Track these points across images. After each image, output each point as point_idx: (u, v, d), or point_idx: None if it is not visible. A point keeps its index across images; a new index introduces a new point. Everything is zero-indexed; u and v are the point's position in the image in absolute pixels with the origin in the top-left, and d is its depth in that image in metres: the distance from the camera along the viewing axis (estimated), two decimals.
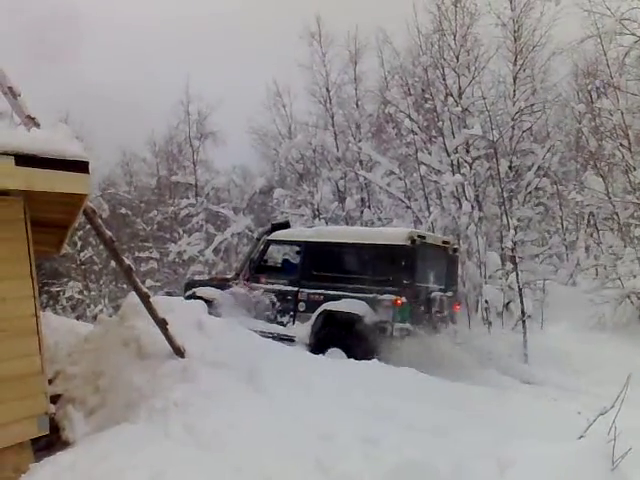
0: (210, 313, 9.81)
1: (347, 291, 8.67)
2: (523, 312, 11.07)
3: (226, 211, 18.22)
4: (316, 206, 16.93)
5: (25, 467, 4.27)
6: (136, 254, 19.18)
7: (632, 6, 11.91)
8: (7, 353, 4.30)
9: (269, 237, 10.14)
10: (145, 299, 5.84)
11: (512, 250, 11.93)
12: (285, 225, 10.72)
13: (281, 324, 9.32)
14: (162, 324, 5.89)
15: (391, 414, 4.88)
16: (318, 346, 8.51)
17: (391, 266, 8.49)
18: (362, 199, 17.20)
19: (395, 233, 8.98)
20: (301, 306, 9.19)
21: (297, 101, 19.08)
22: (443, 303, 9.00)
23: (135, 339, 6.38)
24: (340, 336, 8.45)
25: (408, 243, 8.40)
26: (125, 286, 17.73)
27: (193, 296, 10.38)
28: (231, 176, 19.69)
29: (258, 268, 9.96)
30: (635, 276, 10.79)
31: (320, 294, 8.94)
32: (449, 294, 9.30)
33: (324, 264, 9.30)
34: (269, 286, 9.66)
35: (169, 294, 15.97)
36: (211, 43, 35.51)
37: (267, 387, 5.19)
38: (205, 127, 19.30)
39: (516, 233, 12.38)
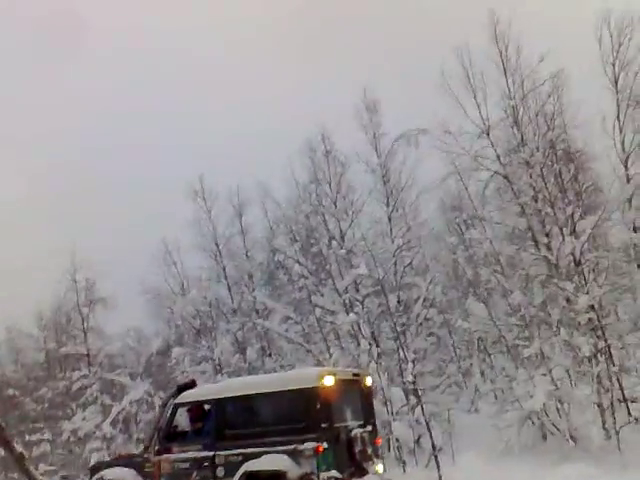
0: None
1: (266, 445, 8.11)
2: (434, 446, 11.14)
3: (122, 378, 17.42)
4: (217, 361, 16.65)
5: None
6: (27, 438, 17.66)
7: (483, 145, 13.34)
8: None
9: (176, 400, 9.48)
10: None
11: (413, 383, 12.23)
12: (191, 385, 10.10)
13: None
14: None
15: None
16: None
17: (306, 410, 8.14)
18: (262, 348, 17.14)
19: (305, 375, 8.78)
20: (219, 471, 8.48)
21: (188, 257, 19.17)
22: (365, 440, 8.65)
23: None
24: None
25: (319, 384, 8.13)
26: (16, 476, 16.19)
27: None
28: (125, 340, 19.02)
29: (168, 436, 9.23)
30: (532, 396, 11.19)
31: (239, 454, 8.31)
32: (368, 428, 8.96)
33: (238, 420, 8.86)
34: (182, 455, 8.90)
35: (65, 478, 14.78)
36: (96, 205, 35.43)
37: None
38: (94, 293, 18.83)
39: (414, 366, 12.74)
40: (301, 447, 7.92)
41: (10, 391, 19.09)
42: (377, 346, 14.07)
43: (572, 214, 12.22)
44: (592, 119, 12.53)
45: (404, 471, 11.55)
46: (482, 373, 14.21)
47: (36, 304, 20.20)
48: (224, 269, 18.10)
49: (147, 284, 19.25)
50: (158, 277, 19.17)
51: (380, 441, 9.66)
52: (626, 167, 12.41)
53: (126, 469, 9.33)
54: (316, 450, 7.85)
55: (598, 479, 9.19)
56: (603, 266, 12.21)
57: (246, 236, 18.32)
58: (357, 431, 8.60)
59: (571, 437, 10.91)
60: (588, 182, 13.10)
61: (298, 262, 15.82)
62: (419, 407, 12.00)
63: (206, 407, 9.40)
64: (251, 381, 10.11)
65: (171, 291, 19.00)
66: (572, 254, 11.90)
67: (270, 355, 16.76)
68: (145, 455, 9.42)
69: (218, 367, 16.72)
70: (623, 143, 12.68)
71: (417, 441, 12.27)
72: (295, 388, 8.37)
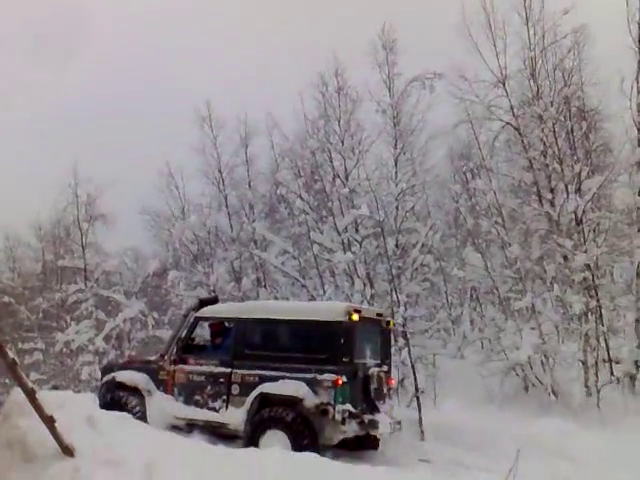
0: (132, 400, 9.29)
1: (284, 371, 8.22)
2: (417, 388, 11.33)
3: (117, 295, 17.60)
4: (212, 287, 16.77)
5: None
6: (20, 345, 17.97)
7: (498, 94, 13.17)
8: None
9: (197, 314, 9.57)
10: (31, 395, 5.55)
11: (403, 326, 12.33)
12: (214, 300, 10.23)
13: (213, 410, 8.72)
14: (49, 421, 5.59)
15: None
16: (254, 433, 8.06)
17: (329, 343, 8.21)
18: (258, 279, 17.27)
19: (332, 308, 8.74)
20: (234, 389, 8.59)
21: (190, 183, 19.12)
22: (381, 378, 8.76)
23: (20, 440, 5.99)
24: (278, 421, 7.97)
25: (346, 318, 8.17)
26: (8, 381, 16.53)
27: (113, 382, 9.71)
28: (123, 259, 19.16)
29: (185, 348, 9.33)
30: (518, 348, 11.36)
31: (255, 375, 8.42)
32: (384, 368, 9.06)
33: (258, 342, 8.91)
34: (198, 368, 9.04)
35: (55, 388, 15.09)
36: (102, 124, 35.12)
37: None
38: (94, 209, 18.84)
39: (406, 309, 12.86)
40: (320, 377, 8.00)
41: (5, 298, 19.31)
42: (371, 287, 14.21)
43: (579, 172, 12.18)
44: (610, 78, 12.32)
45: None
46: (472, 322, 14.39)
47: (35, 215, 20.28)
48: (226, 198, 18.07)
49: (148, 205, 19.32)
50: (159, 199, 19.23)
51: (392, 382, 9.64)
52: (639, 130, 12.25)
53: (139, 374, 9.46)
54: (335, 382, 7.92)
55: (576, 434, 9.38)
56: (604, 227, 12.26)
57: (250, 167, 18.21)
58: (374, 370, 8.68)
59: (553, 391, 11.12)
60: (599, 142, 13.04)
61: (300, 197, 15.79)
62: (406, 349, 12.13)
63: (227, 325, 9.46)
64: (277, 306, 10.21)
65: (171, 214, 19.07)
66: (574, 212, 11.90)
67: (265, 286, 16.89)
68: (160, 363, 9.49)
69: (213, 293, 16.84)
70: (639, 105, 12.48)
71: (401, 382, 12.48)
72: (321, 320, 8.40)
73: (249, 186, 18.09)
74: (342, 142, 15.73)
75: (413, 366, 11.69)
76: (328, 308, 8.94)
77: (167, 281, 17.57)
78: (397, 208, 14.70)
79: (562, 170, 12.37)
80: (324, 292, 14.58)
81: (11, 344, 17.03)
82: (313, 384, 8.02)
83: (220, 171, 18.17)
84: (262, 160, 18.27)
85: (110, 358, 16.13)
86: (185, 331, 9.54)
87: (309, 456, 6.68)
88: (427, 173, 15.57)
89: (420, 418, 10.58)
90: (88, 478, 5.08)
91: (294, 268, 15.84)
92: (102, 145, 30.05)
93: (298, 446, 7.48)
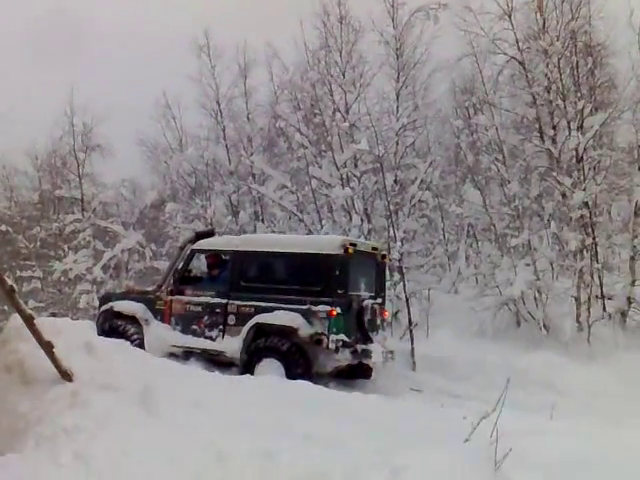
0: (131, 329, 9.49)
1: (279, 302, 8.46)
2: (410, 321, 11.53)
3: (115, 226, 17.60)
4: (209, 220, 16.76)
5: None
6: (18, 274, 18.10)
7: (504, 27, 12.83)
8: None
9: (193, 246, 9.76)
10: (29, 321, 5.61)
11: (399, 261, 12.43)
12: (210, 234, 10.43)
13: (209, 338, 9.01)
14: (47, 347, 5.67)
15: (289, 428, 4.96)
16: (249, 361, 8.32)
17: (324, 275, 8.42)
18: (255, 213, 17.25)
19: (327, 241, 8.93)
20: (231, 319, 8.89)
21: (188, 114, 18.81)
22: (375, 310, 8.99)
23: (19, 364, 6.09)
24: (274, 350, 8.24)
25: (341, 252, 8.36)
26: (6, 308, 16.72)
27: (110, 311, 9.90)
28: (120, 190, 19.06)
29: (182, 279, 9.58)
30: (512, 284, 11.47)
31: (251, 306, 8.69)
32: (378, 301, 9.30)
33: (254, 274, 9.13)
34: (195, 298, 9.31)
35: (54, 315, 15.28)
36: (98, 53, 34.35)
37: (161, 409, 5.12)
38: (91, 139, 18.57)
39: (403, 245, 12.93)
40: (315, 308, 8.26)
41: (3, 227, 19.32)
42: (369, 222, 14.23)
43: (582, 109, 11.97)
44: (619, 12, 11.98)
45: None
46: (467, 258, 14.45)
47: (32, 143, 20.04)
48: (224, 130, 17.81)
49: (145, 136, 19.09)
50: (156, 131, 18.99)
51: (387, 314, 9.95)
52: None
53: (137, 304, 9.71)
54: (329, 313, 8.19)
55: (565, 367, 9.65)
56: (604, 165, 12.18)
57: (249, 99, 17.88)
58: (368, 302, 8.90)
59: (544, 326, 11.28)
60: (604, 78, 12.77)
61: (299, 131, 15.57)
62: (401, 284, 12.26)
63: (224, 257, 9.62)
64: (273, 239, 10.34)
65: (168, 146, 18.86)
66: (575, 149, 11.76)
67: (262, 220, 16.88)
68: (157, 293, 9.74)
69: (210, 226, 16.85)
70: None
71: (395, 315, 12.67)
72: (317, 253, 8.58)
73: (247, 119, 17.81)
74: (343, 74, 15.40)
75: (407, 300, 11.86)
76: (324, 241, 9.09)
77: (164, 213, 17.57)
78: (397, 143, 14.53)
79: (565, 106, 12.17)
80: (321, 227, 14.58)
81: (9, 272, 17.15)
82: (308, 315, 8.26)
83: (218, 102, 17.84)
84: (261, 92, 17.94)
85: (108, 287, 16.27)
86: (182, 263, 9.72)
87: (303, 383, 6.84)
88: (429, 108, 15.32)
89: (412, 349, 10.82)
90: (86, 402, 5.17)
91: (292, 202, 15.78)
92: (98, 73, 29.47)
93: (292, 374, 7.72)
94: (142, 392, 5.41)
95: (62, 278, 17.57)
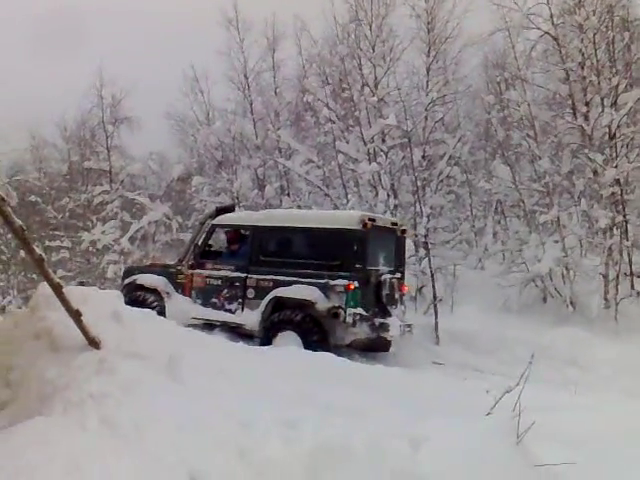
0: (153, 301, 9.69)
1: (298, 276, 8.60)
2: (435, 296, 11.51)
3: (142, 198, 17.73)
4: (235, 194, 16.80)
5: None
6: (47, 243, 18.43)
7: (538, 1, 12.51)
8: None
9: (214, 221, 9.93)
10: (57, 290, 5.70)
11: (425, 237, 12.38)
12: (230, 209, 10.58)
13: (229, 311, 9.18)
14: (76, 315, 5.76)
15: (310, 398, 5.00)
16: (268, 333, 8.47)
17: (343, 250, 8.52)
18: (281, 187, 17.24)
19: (346, 217, 9.01)
20: (250, 293, 9.05)
21: (215, 87, 18.81)
22: (393, 285, 9.06)
23: (47, 331, 6.21)
24: (291, 323, 8.38)
25: (360, 227, 8.43)
26: (35, 277, 17.03)
27: (133, 284, 10.12)
28: (147, 163, 19.19)
29: (203, 254, 9.75)
30: (539, 260, 11.36)
31: (270, 280, 8.83)
32: (397, 275, 9.37)
33: (273, 249, 9.28)
34: (215, 272, 9.48)
35: (82, 284, 15.55)
36: (125, 27, 34.40)
37: (186, 377, 5.19)
38: (119, 112, 18.70)
39: (429, 220, 12.86)
40: (333, 282, 8.38)
41: (32, 197, 19.65)
42: (395, 198, 14.13)
43: (617, 85, 11.66)
44: None
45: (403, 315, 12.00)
46: (494, 234, 14.27)
47: (61, 115, 20.24)
48: (251, 104, 17.80)
49: (172, 110, 19.14)
50: (184, 104, 19.04)
51: (406, 288, 10.00)
52: None
53: (159, 277, 9.93)
54: (347, 287, 8.29)
55: (590, 342, 9.57)
56: (637, 142, 11.89)
57: (277, 72, 17.84)
58: (387, 276, 8.98)
59: (571, 303, 11.16)
60: None
61: (327, 106, 15.41)
62: (427, 259, 12.21)
63: (243, 232, 9.74)
64: (292, 214, 10.45)
65: (196, 119, 18.91)
66: (608, 126, 11.48)
67: (288, 195, 16.87)
68: (179, 267, 9.95)
69: (236, 200, 16.89)
70: None
71: (419, 290, 12.64)
72: (335, 227, 8.68)
73: (275, 93, 17.78)
74: (373, 48, 15.18)
75: (432, 275, 11.81)
76: (343, 216, 9.22)
77: (191, 186, 17.65)
78: (426, 118, 14.38)
79: (599, 83, 11.86)
80: (347, 202, 14.52)
81: (38, 242, 17.42)
82: (326, 289, 8.40)
83: (246, 76, 17.82)
84: (289, 66, 17.90)
85: (134, 258, 16.47)
86: (202, 237, 9.91)
87: (326, 354, 6.89)
88: (459, 83, 15.10)
89: (436, 323, 10.82)
90: (113, 369, 5.25)
91: (318, 177, 15.73)
92: (128, 45, 29.54)
93: (309, 346, 7.82)
94: (168, 360, 5.49)
95: (90, 248, 17.82)
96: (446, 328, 10.61)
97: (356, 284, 8.30)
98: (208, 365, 5.54)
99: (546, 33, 12.51)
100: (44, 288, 6.60)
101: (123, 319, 7.01)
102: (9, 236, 16.73)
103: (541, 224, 12.13)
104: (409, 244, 13.07)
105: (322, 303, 8.33)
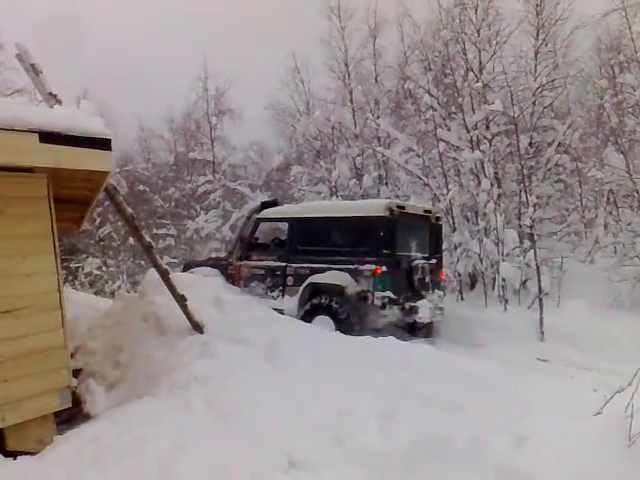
0: None
1: (331, 263, 9.04)
2: (540, 290, 11.02)
3: (243, 188, 18.19)
4: (333, 183, 16.85)
5: (49, 439, 4.37)
6: (154, 231, 19.29)
7: None
8: (32, 328, 4.40)
9: (258, 215, 10.55)
10: (165, 275, 5.92)
11: (530, 228, 11.87)
12: (274, 203, 11.21)
13: (272, 298, 9.72)
14: (181, 300, 5.97)
15: (407, 389, 4.93)
16: (305, 318, 8.82)
17: (371, 237, 8.86)
18: (380, 176, 17.09)
19: (373, 205, 9.30)
20: (289, 280, 9.64)
21: (315, 77, 18.94)
22: (426, 270, 9.34)
23: (154, 314, 6.49)
24: (324, 307, 8.82)
25: (386, 214, 8.70)
26: (143, 262, 17.84)
27: None
28: (248, 153, 19.64)
29: (249, 246, 10.42)
30: None
31: (306, 268, 9.38)
32: (433, 261, 9.66)
33: (309, 239, 9.72)
34: (260, 263, 10.13)
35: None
36: (228, 18, 35.23)
37: (285, 363, 5.26)
38: (223, 103, 19.25)
39: (535, 210, 12.31)
40: (361, 267, 8.76)
41: (141, 187, 20.59)
42: (499, 187, 13.62)
43: None
44: None
45: (505, 309, 11.59)
46: (605, 226, 13.46)
47: (168, 108, 21.05)
48: (351, 92, 17.74)
49: (273, 100, 19.42)
50: (284, 94, 19.27)
51: (443, 274, 10.24)
52: None
53: (212, 269, 10.58)
54: (374, 272, 8.62)
55: None
56: None
57: (378, 60, 17.63)
58: (419, 262, 9.29)
59: None
60: None
61: (429, 93, 15.06)
62: (532, 251, 11.71)
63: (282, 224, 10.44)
64: (326, 205, 11.14)
65: (296, 109, 19.10)
66: None
67: (387, 184, 16.69)
68: (229, 259, 10.68)
69: (334, 189, 16.95)
70: None
71: (523, 283, 12.16)
72: (364, 215, 9.02)
73: (375, 81, 17.59)
74: (478, 32, 14.63)
75: (538, 268, 11.33)
76: (371, 205, 9.42)
77: (290, 176, 17.87)
78: (534, 104, 13.74)
79: None
80: (447, 191, 14.18)
81: (146, 229, 18.25)
82: (355, 274, 8.78)
83: (347, 64, 17.78)
84: (390, 53, 17.62)
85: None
86: (249, 231, 10.53)
87: (422, 346, 6.84)
88: (570, 66, 14.28)
89: (541, 319, 10.37)
90: (215, 353, 5.40)
91: (417, 166, 15.43)
92: (231, 37, 30.26)
93: (341, 329, 8.15)
94: (267, 345, 5.58)
95: (194, 236, 18.48)
96: (552, 324, 10.13)
97: (384, 268, 8.59)
98: (306, 352, 5.58)
99: None
100: (152, 274, 6.90)
101: (225, 305, 7.21)
102: (120, 223, 17.62)
103: None
104: (512, 235, 12.66)
105: (352, 287, 8.67)
